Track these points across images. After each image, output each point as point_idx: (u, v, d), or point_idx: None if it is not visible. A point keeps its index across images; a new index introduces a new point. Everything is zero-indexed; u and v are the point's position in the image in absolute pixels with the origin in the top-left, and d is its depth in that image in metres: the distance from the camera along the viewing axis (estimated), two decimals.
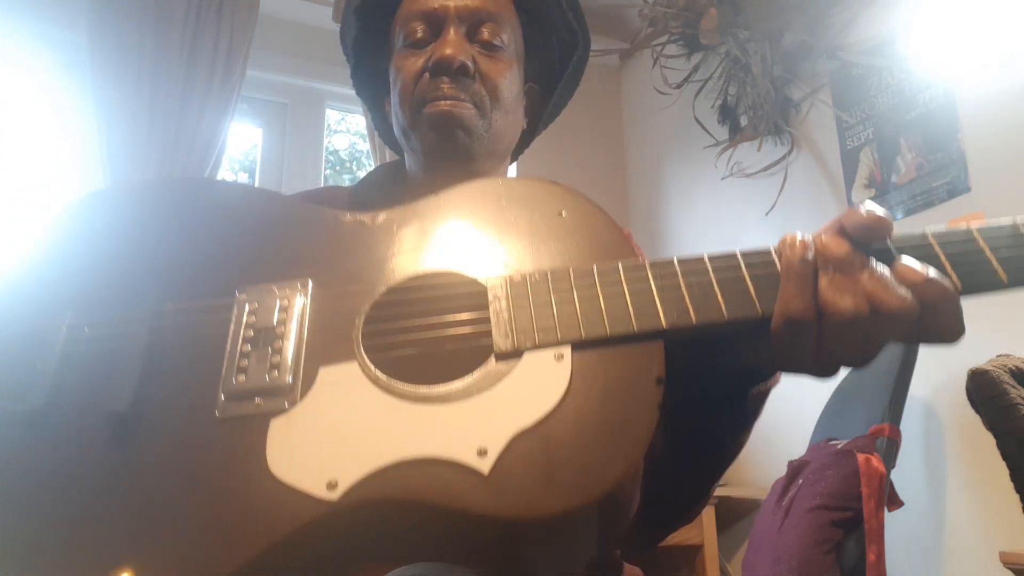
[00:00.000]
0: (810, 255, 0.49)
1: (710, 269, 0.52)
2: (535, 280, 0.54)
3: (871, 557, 1.49)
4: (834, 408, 1.93)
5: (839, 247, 0.49)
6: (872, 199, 2.07)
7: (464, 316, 0.54)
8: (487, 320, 0.53)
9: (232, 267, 0.58)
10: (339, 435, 0.48)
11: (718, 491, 2.25)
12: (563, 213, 0.58)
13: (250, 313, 0.55)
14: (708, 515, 2.19)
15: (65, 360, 0.54)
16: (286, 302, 0.55)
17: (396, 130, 0.86)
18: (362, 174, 0.94)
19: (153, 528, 0.46)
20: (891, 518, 1.62)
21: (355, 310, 0.55)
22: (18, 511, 0.47)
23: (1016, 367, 1.31)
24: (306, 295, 0.56)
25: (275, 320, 0.54)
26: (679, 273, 0.52)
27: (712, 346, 0.55)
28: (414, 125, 0.80)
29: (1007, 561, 1.33)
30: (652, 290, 0.52)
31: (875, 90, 2.10)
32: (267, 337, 0.53)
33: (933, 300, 0.47)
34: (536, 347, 0.51)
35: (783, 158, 2.37)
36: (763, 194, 2.44)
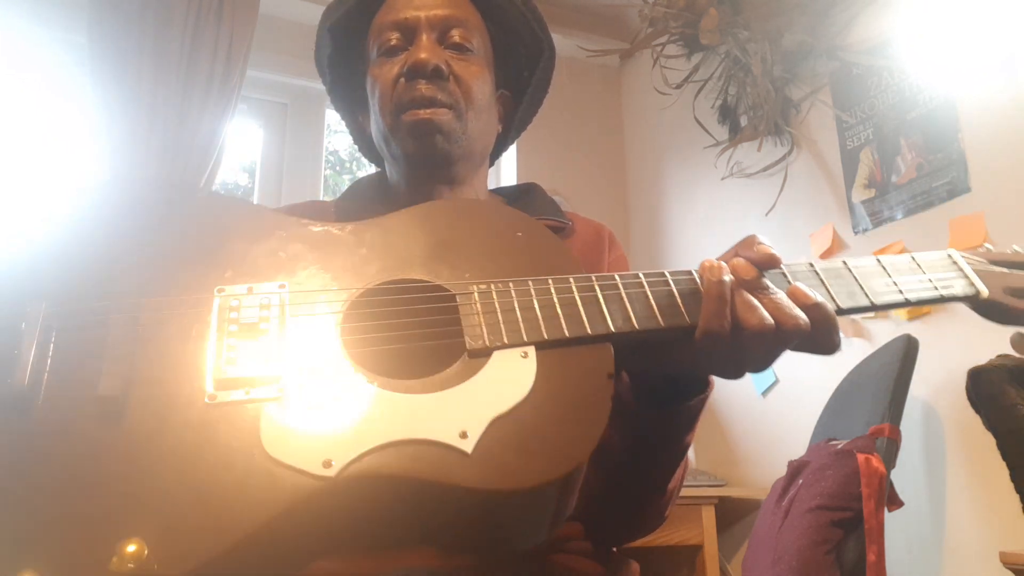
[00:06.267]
0: (727, 277, 0.58)
1: (645, 283, 0.62)
2: (500, 289, 0.60)
3: (871, 557, 1.49)
4: (834, 408, 1.93)
5: (748, 271, 0.59)
6: (872, 199, 2.07)
7: (436, 317, 0.59)
8: (457, 322, 0.58)
9: (211, 269, 0.60)
10: (330, 421, 0.52)
11: (719, 491, 2.25)
12: (520, 234, 0.65)
13: (232, 309, 0.57)
14: (708, 515, 2.19)
15: (43, 348, 0.53)
16: (266, 301, 0.57)
17: (376, 139, 0.88)
18: (362, 174, 0.95)
19: (150, 503, 0.47)
20: (891, 518, 1.62)
21: (333, 310, 0.58)
22: (9, 491, 0.47)
23: (1016, 367, 1.31)
24: (283, 295, 0.58)
25: (257, 316, 0.56)
26: (620, 286, 0.61)
27: (654, 353, 0.62)
28: (394, 131, 0.83)
29: (1007, 561, 1.33)
30: (600, 300, 0.60)
31: (875, 90, 2.10)
32: (251, 331, 0.56)
33: (819, 320, 0.57)
34: (505, 346, 0.57)
35: (783, 158, 2.38)
36: (763, 194, 2.44)
